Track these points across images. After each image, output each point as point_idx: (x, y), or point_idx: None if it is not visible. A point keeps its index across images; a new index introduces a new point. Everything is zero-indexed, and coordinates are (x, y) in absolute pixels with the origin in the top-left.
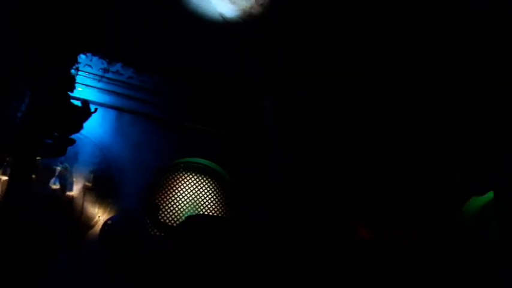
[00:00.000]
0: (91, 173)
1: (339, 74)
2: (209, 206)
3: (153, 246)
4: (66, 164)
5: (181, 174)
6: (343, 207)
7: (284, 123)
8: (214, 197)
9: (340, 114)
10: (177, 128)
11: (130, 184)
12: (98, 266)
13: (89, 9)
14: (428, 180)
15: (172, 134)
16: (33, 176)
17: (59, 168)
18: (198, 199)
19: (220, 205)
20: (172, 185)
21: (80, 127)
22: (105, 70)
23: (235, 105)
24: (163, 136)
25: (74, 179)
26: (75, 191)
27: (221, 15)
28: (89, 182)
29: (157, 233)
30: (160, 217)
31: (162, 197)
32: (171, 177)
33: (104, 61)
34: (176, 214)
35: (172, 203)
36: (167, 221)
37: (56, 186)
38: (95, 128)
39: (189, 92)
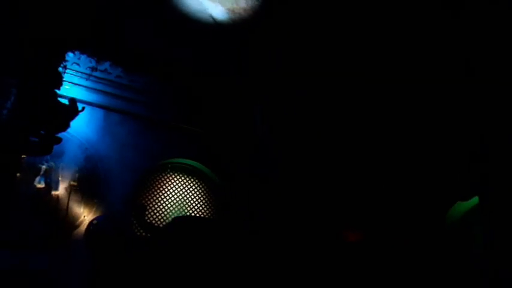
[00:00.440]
0: (77, 173)
1: (330, 75)
2: (196, 207)
3: (139, 247)
4: (52, 163)
5: (168, 175)
6: (332, 209)
7: (273, 125)
8: (202, 199)
9: (329, 117)
10: (165, 129)
11: (116, 184)
12: (83, 266)
13: (78, 7)
14: (414, 184)
15: (160, 134)
16: (18, 175)
17: (44, 167)
18: (185, 200)
19: (208, 206)
20: (159, 186)
21: (67, 126)
22: (93, 69)
23: (224, 106)
24: (151, 136)
25: (60, 178)
26: (61, 190)
27: (211, 16)
28: (74, 181)
29: (144, 234)
30: (146, 218)
31: (149, 197)
32: (158, 178)
33: (92, 59)
34: (163, 215)
35: (159, 204)
36: (153, 221)
37: (41, 185)
38: (82, 127)
39: (178, 92)
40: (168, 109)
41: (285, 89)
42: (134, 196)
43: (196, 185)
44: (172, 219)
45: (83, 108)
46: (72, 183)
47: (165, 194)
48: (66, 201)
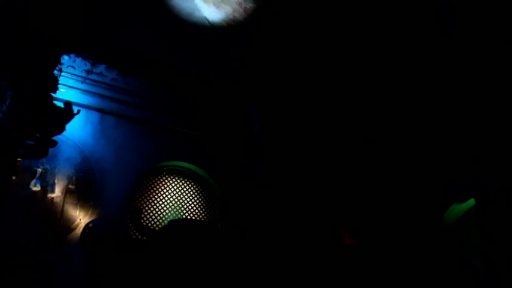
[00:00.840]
0: (73, 175)
1: (324, 77)
2: (192, 210)
3: (134, 250)
4: (48, 166)
5: (164, 178)
6: (328, 210)
7: (269, 125)
8: (198, 201)
9: (325, 117)
10: (160, 131)
11: (112, 187)
12: (79, 269)
13: (73, 9)
14: (410, 186)
15: (156, 136)
16: (14, 178)
17: (40, 169)
18: (181, 203)
19: (204, 209)
20: (155, 189)
21: (62, 128)
22: (89, 71)
23: (220, 107)
24: (147, 139)
25: (56, 181)
26: (57, 193)
27: (206, 19)
28: (70, 184)
29: (139, 237)
30: (142, 221)
31: (145, 200)
32: (154, 181)
33: (87, 62)
34: (158, 218)
35: (154, 207)
36: (149, 224)
37: (37, 188)
38: (78, 130)
39: (173, 94)
40: (164, 111)
41: (280, 90)
42: (130, 199)
43: (192, 188)
44: (168, 222)
45: (78, 111)
46: (68, 186)
47: (161, 197)
48: (62, 204)
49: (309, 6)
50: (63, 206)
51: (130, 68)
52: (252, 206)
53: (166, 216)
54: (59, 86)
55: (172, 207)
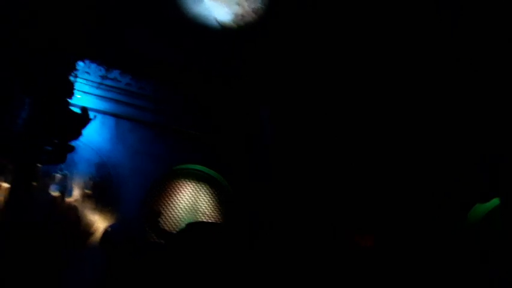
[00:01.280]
0: (90, 180)
1: (333, 78)
2: (208, 212)
3: (153, 254)
4: (66, 171)
5: (179, 181)
6: (342, 212)
7: (280, 126)
8: (213, 204)
9: (338, 118)
10: (175, 134)
11: (129, 191)
12: (98, 273)
13: (86, 16)
14: (433, 186)
15: (171, 140)
16: (34, 183)
17: (58, 175)
18: (196, 206)
19: (219, 212)
20: (170, 192)
21: (79, 134)
22: (103, 77)
23: (232, 109)
24: (162, 142)
25: (74, 186)
26: (75, 198)
27: (216, 20)
28: (88, 189)
29: (157, 240)
30: (159, 224)
31: (161, 203)
32: (169, 184)
33: (102, 68)
34: (175, 221)
35: (170, 210)
36: (166, 228)
37: (56, 193)
38: (94, 135)
39: (186, 97)
40: (177, 115)
41: (290, 90)
42: (146, 203)
43: (207, 190)
44: (186, 225)
45: (95, 117)
46: (86, 190)
47: (177, 200)
48: (80, 208)
49: (320, 5)
50: (81, 210)
51: (143, 72)
52: (264, 207)
53: (182, 219)
54: (75, 91)
55: (188, 210)
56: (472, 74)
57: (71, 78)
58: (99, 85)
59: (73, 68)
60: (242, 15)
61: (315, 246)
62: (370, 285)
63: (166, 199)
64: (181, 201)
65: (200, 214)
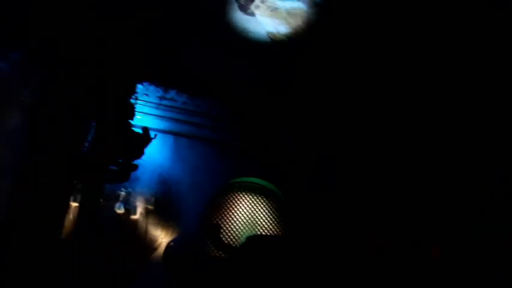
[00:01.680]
0: (152, 197)
1: (386, 86)
2: (265, 225)
3: (215, 267)
4: (130, 189)
5: (236, 195)
6: (406, 223)
7: (338, 143)
8: (270, 217)
9: (400, 126)
10: (231, 149)
11: (189, 206)
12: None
13: (142, 42)
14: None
15: (227, 155)
16: (101, 201)
17: (123, 193)
18: (254, 219)
19: (276, 225)
20: (228, 205)
21: (142, 153)
22: (161, 98)
23: (286, 122)
24: (218, 157)
25: (137, 203)
26: (139, 214)
27: (269, 35)
28: (151, 205)
29: (218, 254)
30: (220, 237)
31: (220, 217)
32: (227, 198)
33: (159, 89)
34: (234, 234)
35: (229, 223)
36: (225, 241)
37: (121, 211)
38: (155, 153)
39: (239, 113)
40: (232, 130)
41: (346, 101)
42: (206, 217)
43: (264, 203)
44: (246, 238)
45: (155, 136)
46: (149, 207)
47: (235, 213)
48: (144, 225)
49: (371, 16)
50: (145, 226)
51: (198, 90)
52: (322, 219)
53: (241, 232)
54: (136, 113)
55: (246, 223)
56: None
57: (132, 101)
58: (158, 105)
59: (133, 91)
60: (294, 29)
61: (379, 257)
62: None
63: (225, 212)
64: (240, 214)
65: (258, 227)
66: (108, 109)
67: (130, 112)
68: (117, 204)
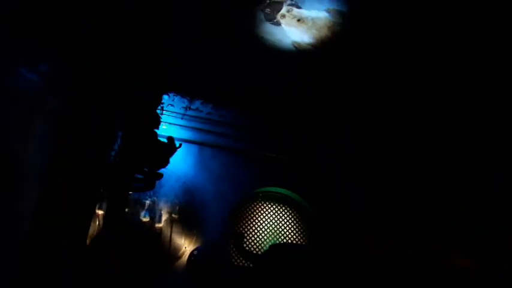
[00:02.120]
0: (177, 205)
1: (410, 95)
2: (289, 235)
3: (238, 276)
4: (154, 198)
5: (260, 204)
6: (431, 233)
7: (363, 153)
8: (294, 226)
9: (423, 141)
10: (255, 159)
11: (212, 215)
12: None
13: (169, 52)
14: None
15: (251, 164)
16: (127, 210)
17: (148, 201)
18: (277, 228)
19: (300, 234)
20: (252, 215)
21: (167, 162)
22: (187, 108)
23: (312, 133)
24: (242, 167)
25: (162, 212)
26: (163, 223)
27: (294, 44)
28: (175, 214)
29: (241, 262)
30: (244, 246)
31: (243, 226)
32: (250, 207)
33: (185, 100)
34: (258, 244)
35: (253, 233)
36: (250, 249)
37: (146, 219)
38: (180, 162)
39: (264, 123)
40: (256, 140)
41: (372, 110)
42: (229, 226)
43: (287, 213)
44: (270, 246)
45: (180, 145)
46: (173, 215)
47: (258, 223)
48: (168, 233)
49: (396, 26)
50: (170, 235)
51: (223, 101)
52: (349, 230)
53: (265, 241)
54: (161, 123)
55: (270, 232)
56: None
57: (158, 111)
58: (183, 116)
59: (159, 102)
60: (319, 38)
61: (407, 268)
62: None
63: (247, 221)
64: (262, 223)
65: (282, 236)
66: (135, 119)
67: (156, 122)
68: (143, 213)
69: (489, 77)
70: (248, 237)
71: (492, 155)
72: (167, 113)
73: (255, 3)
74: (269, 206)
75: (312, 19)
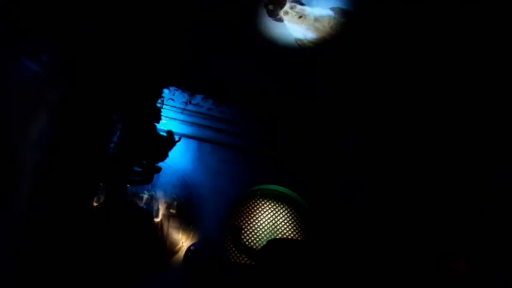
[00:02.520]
0: (174, 200)
1: (416, 98)
2: (287, 233)
3: (235, 271)
4: (152, 192)
5: (258, 201)
6: (428, 236)
7: (363, 152)
8: (292, 225)
9: (424, 141)
10: (254, 156)
11: (210, 211)
12: None
13: (171, 46)
14: None
15: (250, 161)
16: (124, 203)
17: (145, 195)
18: (275, 226)
19: (298, 232)
20: (250, 212)
21: (166, 156)
22: (187, 103)
23: (311, 131)
24: (241, 164)
25: (159, 206)
26: (161, 217)
27: (297, 41)
28: (173, 209)
29: (238, 257)
30: (240, 240)
31: (241, 223)
32: (248, 204)
33: (185, 94)
34: (255, 240)
35: (250, 230)
36: (246, 244)
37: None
38: (178, 157)
39: (264, 120)
40: (255, 137)
41: (372, 111)
42: (227, 221)
43: (285, 211)
44: (267, 242)
45: (180, 139)
46: (170, 210)
47: (256, 220)
48: (166, 228)
49: (400, 24)
50: (167, 230)
51: (224, 97)
52: (346, 229)
53: (262, 238)
54: (162, 117)
55: (267, 230)
56: None
57: (158, 105)
58: (183, 110)
59: (160, 95)
60: (322, 35)
61: (404, 268)
62: None
63: (245, 218)
64: (261, 221)
65: (279, 233)
66: (135, 112)
67: (157, 115)
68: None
69: (489, 77)
70: (245, 234)
71: (492, 155)
72: (167, 107)
73: None
74: (267, 203)
75: (315, 16)
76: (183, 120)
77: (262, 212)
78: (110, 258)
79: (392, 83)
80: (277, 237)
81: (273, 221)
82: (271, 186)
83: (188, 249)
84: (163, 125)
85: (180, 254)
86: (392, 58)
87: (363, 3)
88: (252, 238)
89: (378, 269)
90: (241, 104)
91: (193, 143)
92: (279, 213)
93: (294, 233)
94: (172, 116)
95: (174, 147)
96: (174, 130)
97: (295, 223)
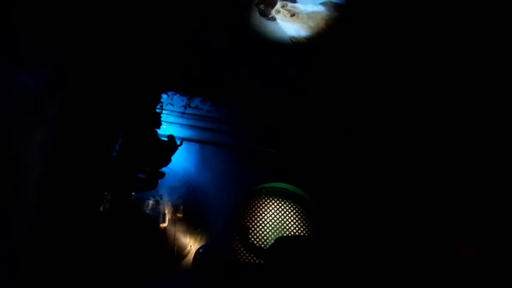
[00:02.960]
0: (180, 204)
1: (412, 93)
2: (294, 229)
3: (245, 272)
4: (158, 197)
5: (263, 200)
6: (438, 222)
7: (365, 147)
8: (299, 221)
9: (427, 135)
10: (257, 155)
11: (216, 212)
12: None
13: (170, 48)
14: None
15: (253, 160)
16: (129, 210)
17: (151, 201)
18: (282, 224)
19: (305, 229)
20: (256, 211)
21: (169, 160)
22: (186, 106)
23: (314, 129)
24: (244, 164)
25: (165, 211)
26: (167, 222)
27: (291, 39)
28: (179, 213)
29: (247, 258)
30: (250, 240)
31: (248, 222)
32: (254, 203)
33: (184, 98)
34: (263, 239)
35: (257, 229)
36: (254, 243)
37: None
38: (181, 161)
39: (265, 119)
40: (257, 136)
41: (370, 103)
42: (234, 222)
43: (292, 208)
44: (275, 239)
45: (181, 143)
46: (177, 215)
47: (263, 218)
48: (173, 232)
49: (397, 22)
50: (174, 234)
51: (222, 98)
52: (353, 224)
53: (269, 236)
54: (162, 122)
55: (274, 228)
56: None
57: (158, 110)
58: (183, 114)
59: (158, 101)
60: (315, 32)
61: (409, 261)
62: None
63: (252, 217)
64: (266, 219)
65: (287, 231)
66: (135, 119)
67: (157, 121)
68: (146, 213)
69: (489, 76)
70: (253, 233)
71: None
72: (167, 112)
73: None
74: (273, 201)
75: (307, 13)
76: (183, 124)
77: (268, 210)
78: (116, 266)
79: (389, 78)
80: (285, 234)
81: (280, 219)
82: (276, 184)
83: (197, 252)
84: (164, 130)
85: (189, 258)
86: (388, 52)
87: None
88: (260, 237)
89: (387, 263)
90: (240, 104)
91: (194, 146)
92: (284, 210)
93: (301, 229)
94: (172, 121)
95: (176, 152)
96: (174, 134)
97: (301, 219)
